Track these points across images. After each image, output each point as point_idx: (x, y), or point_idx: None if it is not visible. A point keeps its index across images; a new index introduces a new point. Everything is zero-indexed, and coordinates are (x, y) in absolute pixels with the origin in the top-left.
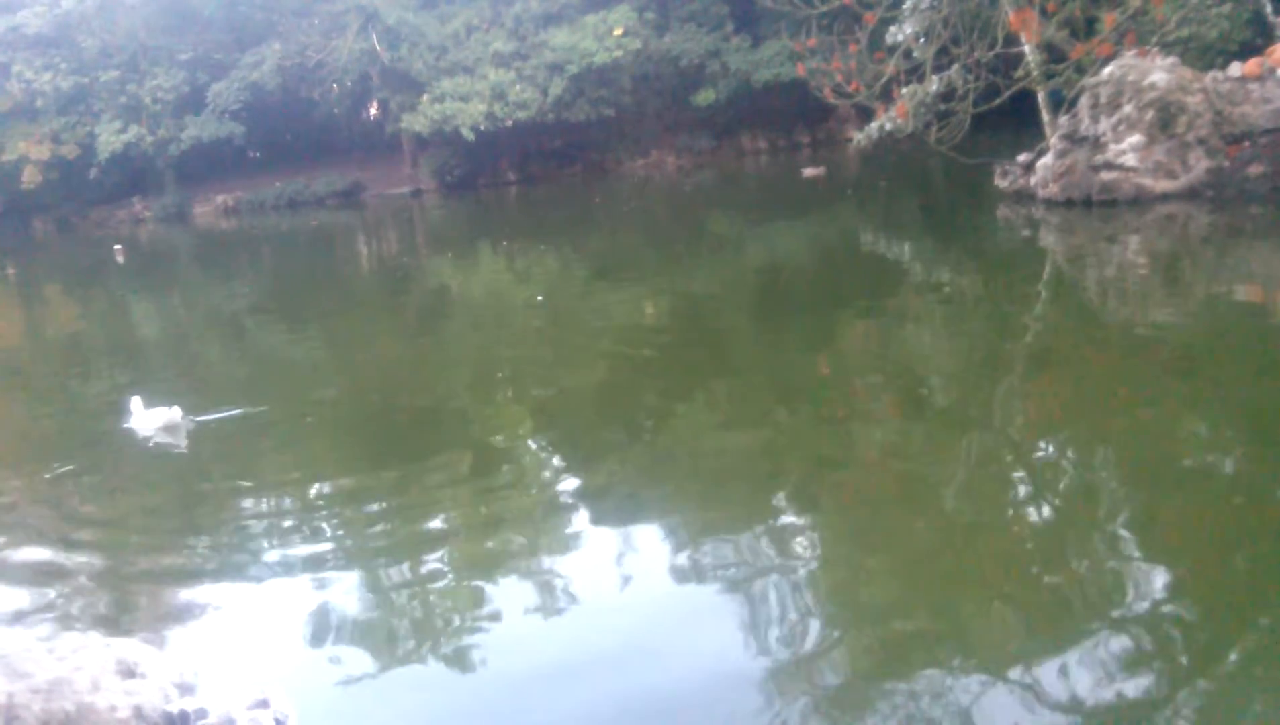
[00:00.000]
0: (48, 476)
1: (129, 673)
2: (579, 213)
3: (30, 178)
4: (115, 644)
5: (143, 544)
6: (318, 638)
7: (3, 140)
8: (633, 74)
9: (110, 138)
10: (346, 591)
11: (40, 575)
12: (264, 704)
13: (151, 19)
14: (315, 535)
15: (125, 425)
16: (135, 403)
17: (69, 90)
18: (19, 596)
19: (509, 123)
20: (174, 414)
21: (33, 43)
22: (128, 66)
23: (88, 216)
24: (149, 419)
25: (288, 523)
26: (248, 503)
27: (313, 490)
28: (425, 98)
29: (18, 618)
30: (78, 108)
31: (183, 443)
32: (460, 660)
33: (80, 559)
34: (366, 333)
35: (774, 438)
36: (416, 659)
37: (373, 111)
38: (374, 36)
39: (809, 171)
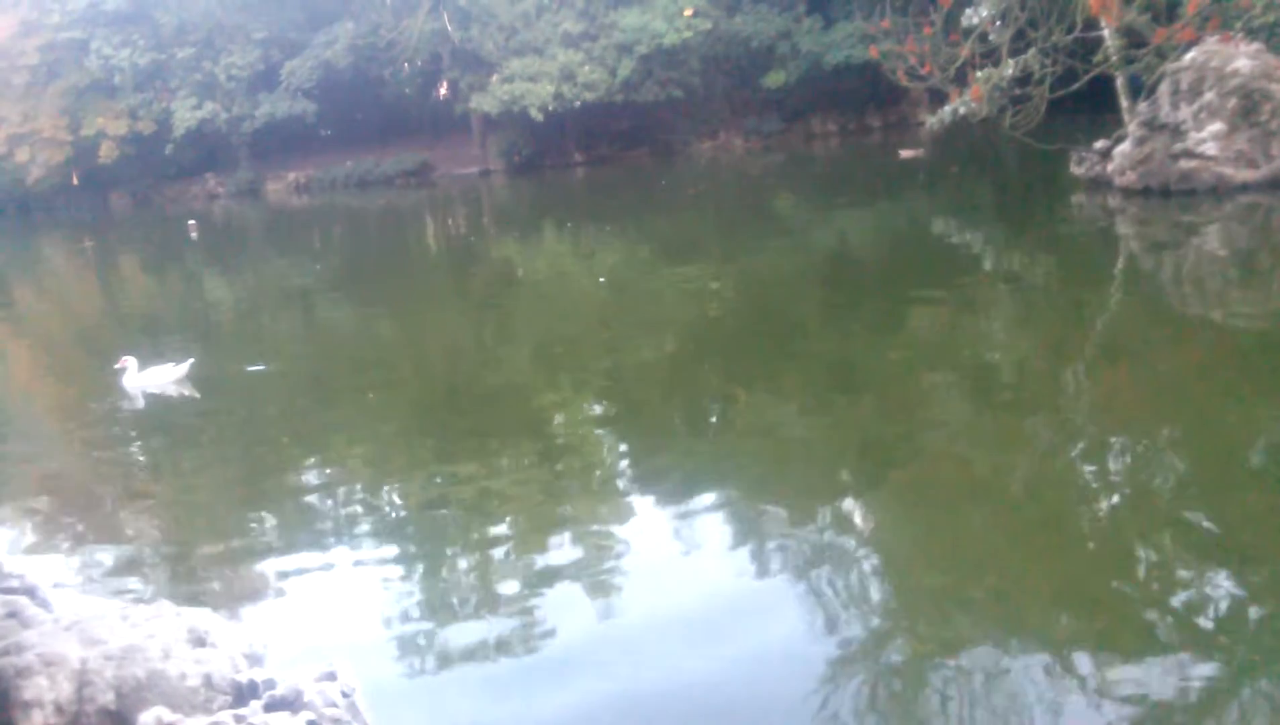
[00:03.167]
0: (126, 448)
1: (199, 642)
2: (645, 195)
3: (108, 153)
4: (186, 613)
5: (214, 515)
6: (384, 611)
7: (82, 116)
8: (702, 55)
9: (186, 114)
10: (412, 567)
11: (113, 544)
12: (331, 676)
13: None
14: (382, 510)
15: (123, 383)
16: (130, 362)
17: (146, 67)
18: (93, 565)
19: (577, 103)
20: (180, 371)
21: (111, 19)
22: (204, 44)
23: (163, 192)
24: (146, 378)
25: (354, 497)
26: (315, 477)
27: (378, 465)
28: (495, 78)
29: (92, 586)
30: (154, 84)
31: (196, 393)
32: (523, 636)
33: (152, 528)
34: (432, 310)
35: (838, 423)
36: (480, 634)
37: (442, 91)
38: (445, 16)
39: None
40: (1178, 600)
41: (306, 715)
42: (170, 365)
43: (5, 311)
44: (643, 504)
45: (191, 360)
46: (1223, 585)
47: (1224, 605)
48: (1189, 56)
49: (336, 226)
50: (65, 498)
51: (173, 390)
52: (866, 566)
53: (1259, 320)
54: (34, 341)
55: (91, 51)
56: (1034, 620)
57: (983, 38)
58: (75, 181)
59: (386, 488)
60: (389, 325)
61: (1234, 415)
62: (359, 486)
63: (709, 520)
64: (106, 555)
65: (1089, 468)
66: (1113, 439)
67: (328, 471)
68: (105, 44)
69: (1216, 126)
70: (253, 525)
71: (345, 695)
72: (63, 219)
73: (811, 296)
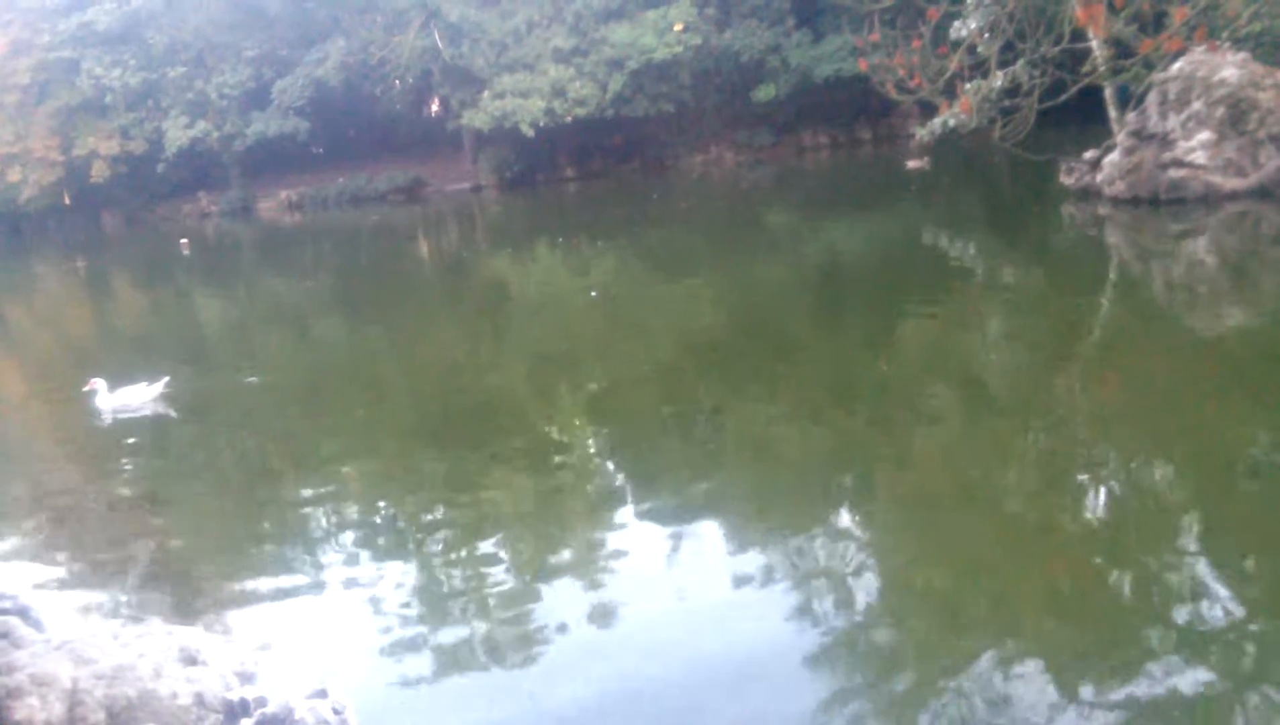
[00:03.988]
0: (118, 468)
1: (191, 660)
2: (636, 209)
3: (99, 172)
4: (178, 632)
5: (203, 534)
6: (375, 629)
7: (73, 135)
8: (692, 70)
9: (177, 133)
10: (403, 584)
11: (104, 564)
12: (322, 694)
13: (218, 16)
14: (373, 527)
15: (95, 404)
16: (99, 384)
17: (137, 86)
18: (84, 585)
19: (568, 119)
20: (154, 390)
21: (102, 40)
22: (195, 63)
23: (155, 211)
24: (118, 398)
25: (346, 514)
26: (306, 494)
27: (369, 482)
28: (486, 94)
29: (83, 605)
30: (146, 103)
31: (172, 412)
32: (514, 653)
33: (142, 548)
34: (425, 326)
35: (831, 435)
36: (471, 651)
37: (434, 108)
38: (436, 33)
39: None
40: (1175, 607)
41: None
42: (144, 385)
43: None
44: (639, 520)
45: (166, 379)
46: (1220, 591)
47: (1222, 611)
48: (1176, 66)
49: (329, 243)
50: (54, 519)
51: (148, 410)
52: (864, 577)
53: (1250, 327)
54: (20, 362)
55: (83, 71)
56: (1032, 628)
57: (971, 50)
58: (67, 201)
59: (378, 504)
60: (381, 341)
61: (1226, 422)
62: (350, 503)
63: (705, 535)
64: (97, 575)
65: (1084, 476)
66: (1107, 447)
67: (319, 488)
68: (96, 64)
69: (1205, 135)
70: (243, 542)
71: (336, 712)
72: (54, 239)
73: (804, 309)
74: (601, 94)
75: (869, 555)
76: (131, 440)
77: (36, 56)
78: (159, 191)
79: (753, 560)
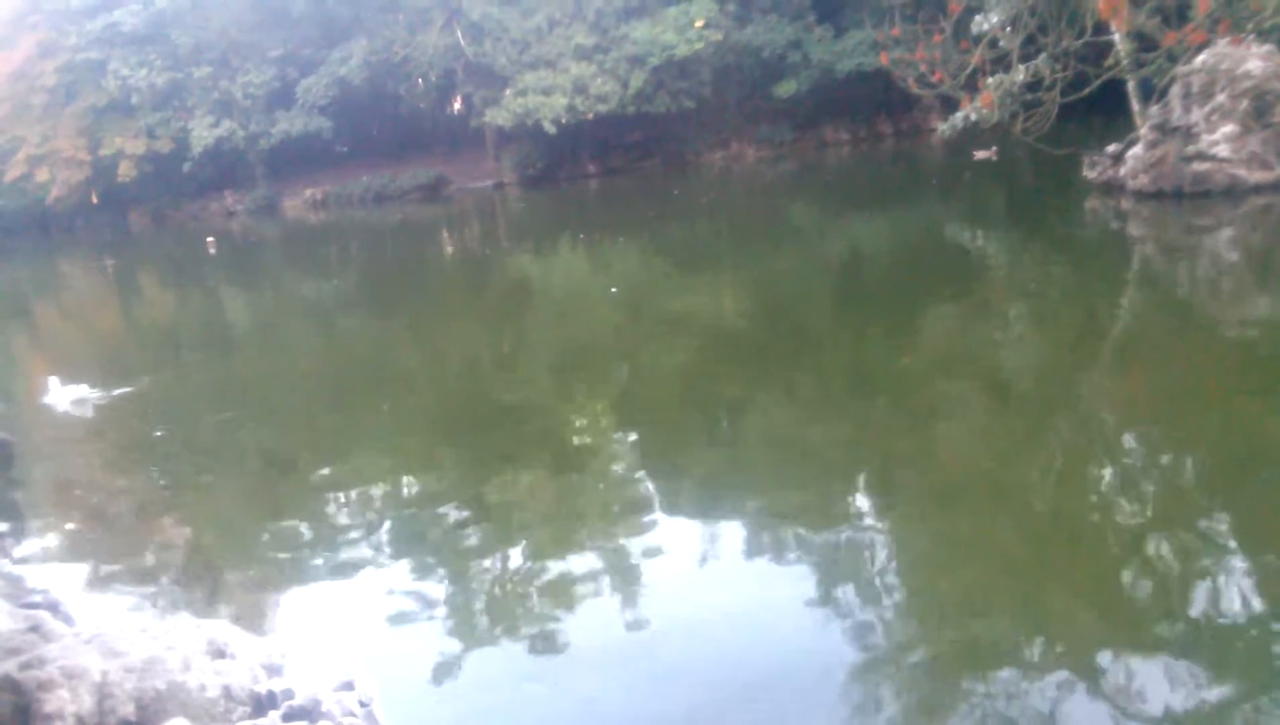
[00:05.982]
0: (146, 462)
1: (219, 653)
2: (657, 205)
3: (126, 172)
4: (206, 625)
5: (231, 528)
6: (402, 622)
7: (100, 135)
8: (713, 66)
9: (203, 132)
10: (430, 577)
11: (133, 558)
12: (349, 686)
13: (243, 16)
14: (399, 520)
15: (45, 401)
16: (53, 382)
17: (163, 86)
18: (113, 579)
19: (590, 116)
20: (81, 390)
21: (128, 40)
22: (220, 63)
23: (181, 209)
24: (63, 395)
25: (372, 508)
26: (332, 488)
27: (394, 477)
28: (508, 92)
29: (112, 599)
30: (172, 103)
31: (89, 413)
32: (540, 646)
33: (170, 542)
34: (448, 323)
35: (856, 430)
36: (498, 645)
37: (456, 106)
38: (458, 31)
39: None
40: (1197, 605)
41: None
42: (73, 386)
43: (24, 324)
44: (662, 516)
45: (85, 384)
46: (1244, 591)
47: (1245, 611)
48: (1200, 59)
49: (353, 241)
50: (85, 513)
51: (81, 411)
52: (886, 573)
53: (1271, 322)
54: (43, 358)
55: (109, 72)
56: (1054, 625)
57: (993, 44)
58: (94, 200)
59: (404, 499)
60: (406, 338)
61: (1252, 419)
62: (377, 498)
63: (728, 531)
64: (127, 569)
65: (1108, 471)
66: (1131, 441)
67: (346, 483)
68: (123, 64)
69: (1229, 128)
70: (271, 537)
71: (363, 705)
72: (82, 238)
73: (826, 304)
74: (623, 91)
75: (894, 551)
76: (159, 433)
77: (63, 58)
78: (185, 190)
79: (778, 556)
